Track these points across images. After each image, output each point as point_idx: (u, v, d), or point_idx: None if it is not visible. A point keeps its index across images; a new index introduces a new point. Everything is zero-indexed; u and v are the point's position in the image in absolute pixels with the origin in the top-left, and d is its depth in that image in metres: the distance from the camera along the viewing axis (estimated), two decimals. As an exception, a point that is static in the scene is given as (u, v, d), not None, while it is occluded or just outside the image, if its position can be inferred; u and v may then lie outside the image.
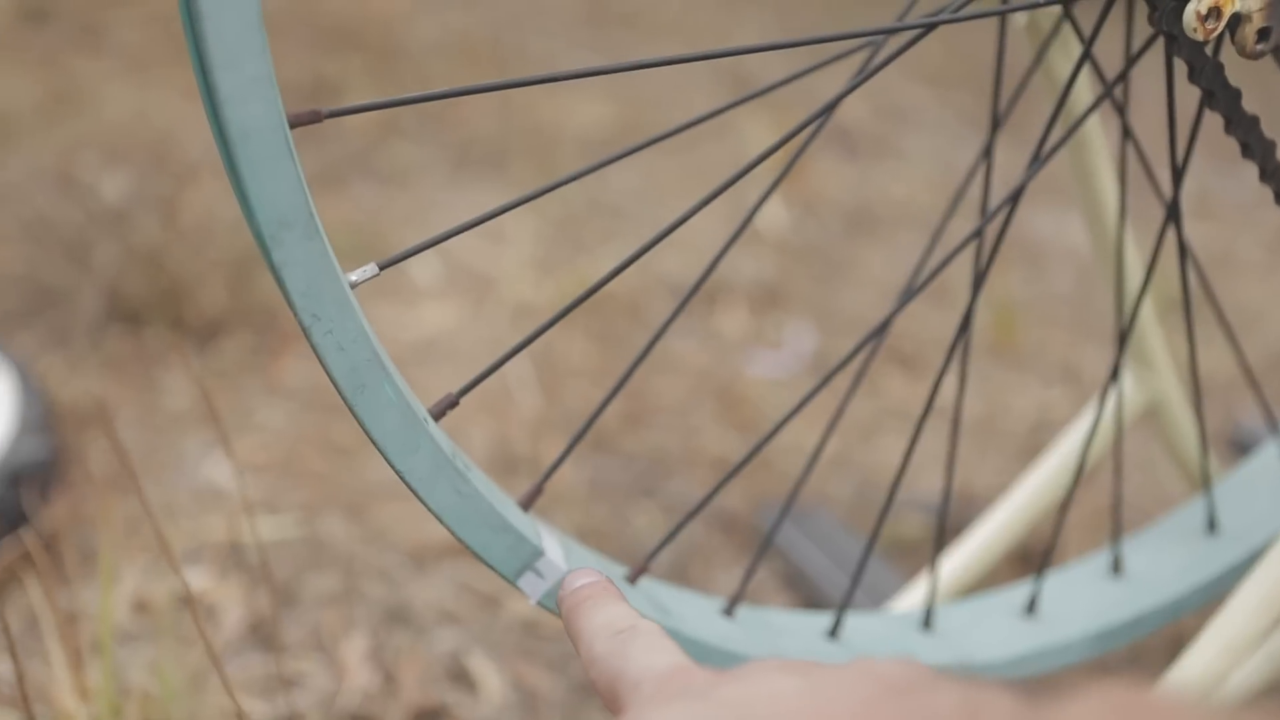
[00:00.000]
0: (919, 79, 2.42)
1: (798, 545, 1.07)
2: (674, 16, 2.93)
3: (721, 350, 1.45)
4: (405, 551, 1.07)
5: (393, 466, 0.50)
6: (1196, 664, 0.64)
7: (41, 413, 1.09)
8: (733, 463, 1.23)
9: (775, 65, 2.39)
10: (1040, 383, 1.42)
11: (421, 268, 1.60)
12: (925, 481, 1.21)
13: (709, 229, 1.73)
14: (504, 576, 0.54)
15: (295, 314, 0.47)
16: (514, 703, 0.92)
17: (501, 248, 1.65)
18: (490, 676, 0.94)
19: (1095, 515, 1.12)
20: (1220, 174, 2.07)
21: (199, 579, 1.01)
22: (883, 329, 0.60)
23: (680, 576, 1.09)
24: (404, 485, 0.51)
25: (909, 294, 0.58)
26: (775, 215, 1.80)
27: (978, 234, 0.59)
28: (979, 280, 0.61)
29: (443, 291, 1.55)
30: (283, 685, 0.92)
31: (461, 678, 0.94)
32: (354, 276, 0.49)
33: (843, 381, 1.39)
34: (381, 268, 0.50)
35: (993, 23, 0.68)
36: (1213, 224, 1.89)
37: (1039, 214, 1.83)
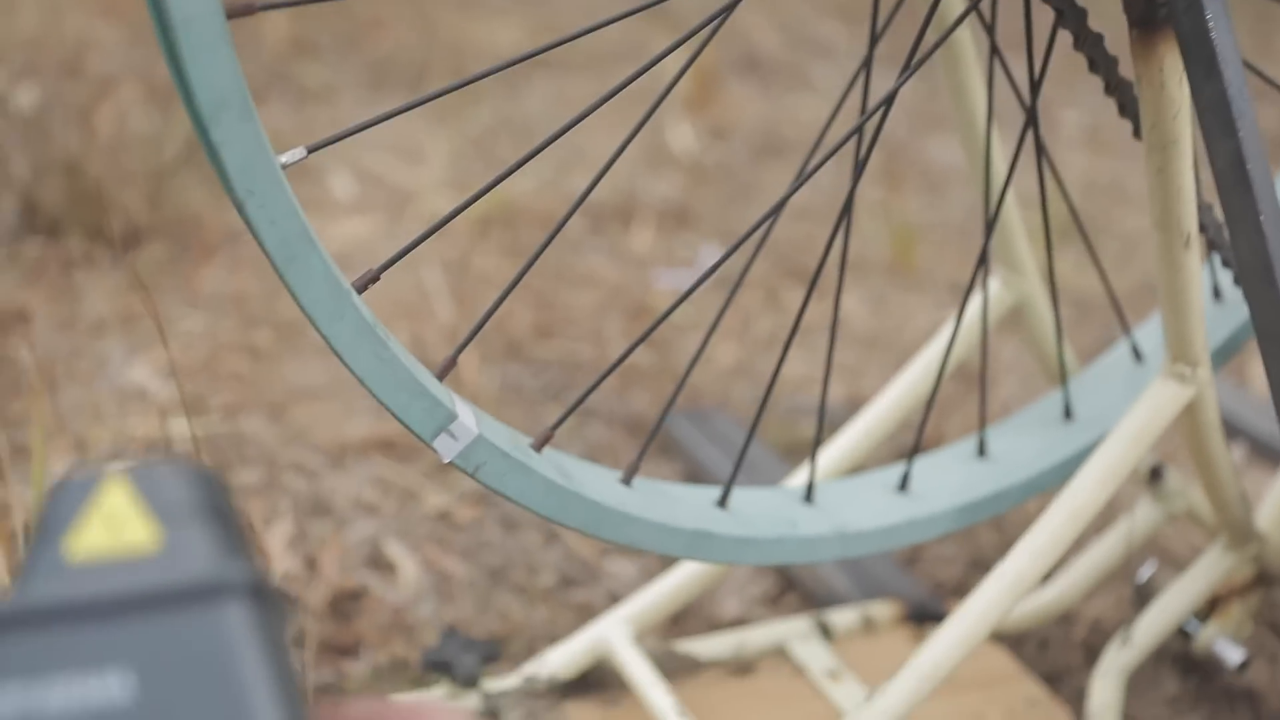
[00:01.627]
0: (830, 12, 2.47)
1: (699, 445, 1.14)
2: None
3: (632, 266, 1.50)
4: (325, 449, 1.12)
5: (320, 332, 0.55)
6: (1041, 535, 0.72)
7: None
8: (640, 371, 1.29)
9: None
10: (934, 301, 1.49)
11: (340, 183, 1.63)
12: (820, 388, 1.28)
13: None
14: (419, 437, 0.60)
15: (230, 191, 0.51)
16: (429, 586, 0.98)
17: (418, 165, 1.69)
18: (406, 562, 0.99)
19: (975, 412, 1.20)
20: (1113, 110, 2.16)
21: (125, 472, 1.05)
22: (768, 221, 0.66)
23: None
24: (330, 349, 0.56)
25: (795, 186, 0.64)
26: (687, 139, 1.85)
27: (857, 130, 0.65)
28: (859, 168, 0.67)
29: (361, 206, 1.58)
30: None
31: (379, 563, 1.00)
32: (284, 158, 0.54)
33: (747, 297, 1.46)
34: (310, 150, 0.55)
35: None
36: (1105, 157, 1.98)
37: (940, 144, 1.90)
